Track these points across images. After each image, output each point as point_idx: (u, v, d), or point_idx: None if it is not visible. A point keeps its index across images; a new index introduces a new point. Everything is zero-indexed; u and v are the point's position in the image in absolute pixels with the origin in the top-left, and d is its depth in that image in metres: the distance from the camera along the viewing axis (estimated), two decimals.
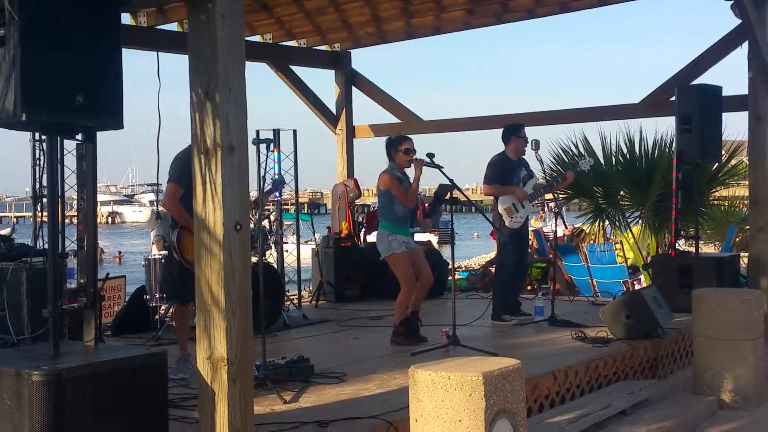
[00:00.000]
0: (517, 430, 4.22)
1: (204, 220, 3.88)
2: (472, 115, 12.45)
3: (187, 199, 6.16)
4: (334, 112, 12.21)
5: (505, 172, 8.47)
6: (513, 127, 8.64)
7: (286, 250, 10.65)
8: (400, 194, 7.45)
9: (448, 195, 7.26)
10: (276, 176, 6.77)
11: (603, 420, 6.09)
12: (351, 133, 12.20)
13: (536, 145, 8.37)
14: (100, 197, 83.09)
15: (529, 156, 8.59)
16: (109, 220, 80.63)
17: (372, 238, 11.93)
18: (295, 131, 10.43)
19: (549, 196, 8.79)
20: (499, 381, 4.14)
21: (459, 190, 7.29)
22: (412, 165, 7.45)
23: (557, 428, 5.63)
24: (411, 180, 7.54)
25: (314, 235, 11.09)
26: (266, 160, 6.22)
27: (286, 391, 5.71)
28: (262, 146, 6.49)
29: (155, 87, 4.18)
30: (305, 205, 59.08)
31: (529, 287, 12.66)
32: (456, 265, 17.84)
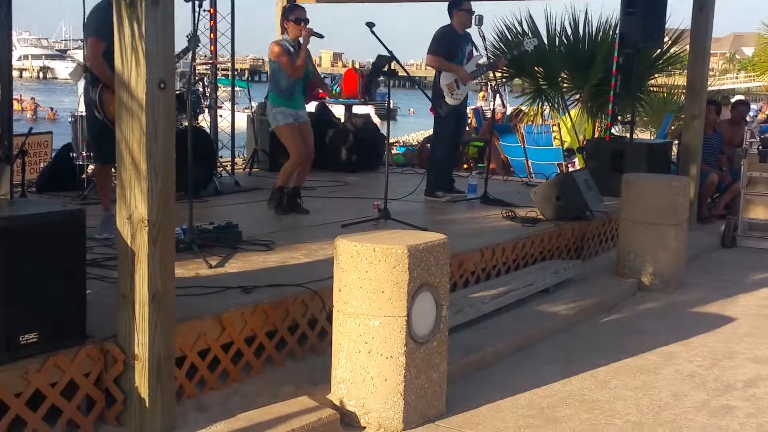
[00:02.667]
0: (439, 304, 4.27)
1: (125, 77, 3.70)
2: None
3: (109, 55, 5.96)
4: None
5: (450, 45, 8.34)
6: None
7: (221, 116, 10.45)
8: (287, 65, 7.25)
9: (386, 67, 7.11)
10: (189, 34, 6.44)
11: (526, 297, 6.24)
12: None
13: (479, 20, 8.25)
14: (31, 50, 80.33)
15: (473, 33, 8.46)
16: (41, 75, 78.07)
17: (310, 107, 11.77)
18: None
19: (490, 75, 8.70)
20: (423, 255, 4.15)
21: (397, 61, 7.14)
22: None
23: (480, 303, 5.74)
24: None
25: (250, 102, 10.85)
26: (197, 19, 5.93)
27: (212, 256, 5.66)
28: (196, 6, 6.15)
29: None
30: (246, 71, 57.98)
31: (465, 165, 12.73)
32: (393, 141, 17.91)
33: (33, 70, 78.27)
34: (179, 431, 3.93)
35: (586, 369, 5.05)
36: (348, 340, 4.18)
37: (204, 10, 10.02)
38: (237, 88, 11.61)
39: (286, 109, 7.34)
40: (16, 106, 37.92)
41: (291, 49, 7.31)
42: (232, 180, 9.39)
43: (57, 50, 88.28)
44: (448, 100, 8.34)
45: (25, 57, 77.02)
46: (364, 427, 4.12)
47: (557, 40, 11.32)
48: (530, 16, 11.11)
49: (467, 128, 14.18)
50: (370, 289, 4.09)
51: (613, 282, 6.97)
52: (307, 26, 7.28)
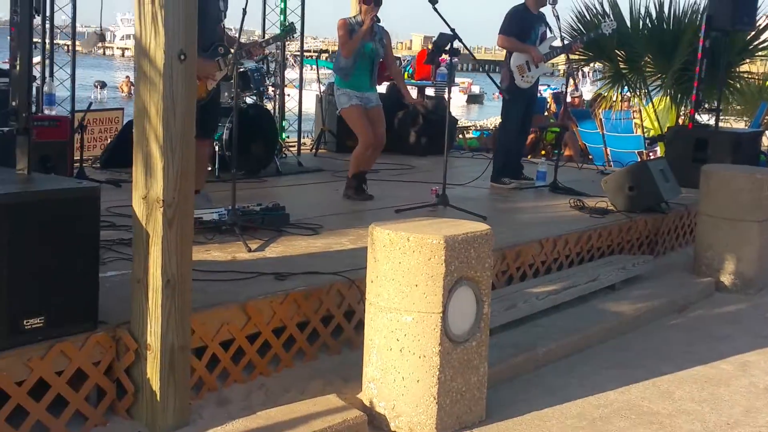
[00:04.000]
0: (480, 300, 3.92)
1: (144, 45, 3.44)
2: None
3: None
4: None
5: (523, 25, 7.92)
6: None
7: (288, 95, 10.23)
8: (342, 43, 6.97)
9: (449, 45, 6.74)
10: (285, 23, 6.22)
11: (588, 294, 5.82)
12: None
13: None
14: (124, 30, 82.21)
15: (547, 12, 8.01)
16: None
17: (381, 88, 11.47)
18: None
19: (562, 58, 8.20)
20: (462, 246, 3.80)
21: (460, 40, 6.77)
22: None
23: (535, 298, 5.35)
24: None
25: (319, 82, 10.60)
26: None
27: (255, 239, 5.42)
28: None
29: None
30: (320, 52, 57.70)
31: (543, 152, 12.25)
32: (470, 124, 17.47)
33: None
34: (193, 427, 3.68)
35: (648, 377, 4.63)
36: (379, 336, 3.88)
37: None
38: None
39: (350, 90, 7.05)
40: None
41: (355, 28, 6.99)
42: (296, 161, 9.16)
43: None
44: (518, 82, 7.91)
45: (128, 36, 78.78)
46: None
47: (640, 22, 10.70)
48: None
49: (546, 113, 13.70)
50: (404, 281, 3.77)
51: (688, 281, 6.47)
52: (375, 8, 6.94)
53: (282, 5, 9.83)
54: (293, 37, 6.55)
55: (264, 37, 7.21)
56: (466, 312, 3.88)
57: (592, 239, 6.40)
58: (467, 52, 7.20)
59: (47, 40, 7.78)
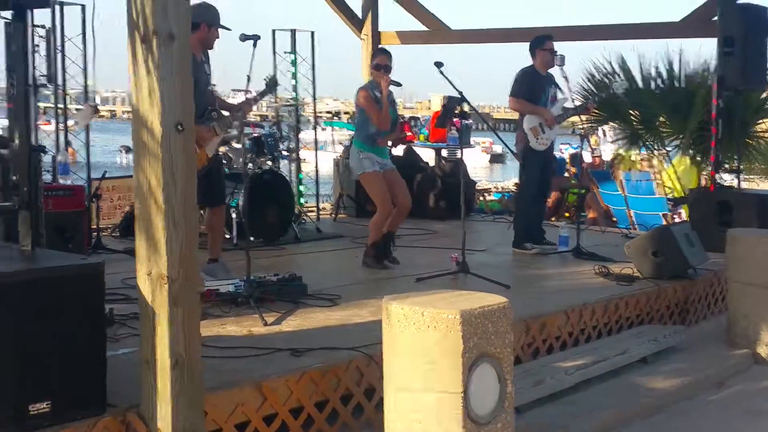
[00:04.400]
0: (502, 378, 3.71)
1: (142, 118, 3.35)
2: (502, 26, 11.67)
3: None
4: (360, 16, 11.49)
5: (533, 87, 7.83)
6: (539, 38, 7.95)
7: (304, 159, 10.15)
8: (373, 114, 6.90)
9: (457, 108, 6.64)
10: (268, 76, 6.20)
11: (619, 367, 5.55)
12: (377, 39, 11.48)
13: (561, 60, 7.73)
14: None
15: (555, 73, 7.94)
16: None
17: (397, 151, 11.37)
18: (312, 33, 9.87)
19: (576, 118, 8.10)
20: (480, 321, 3.61)
21: (468, 103, 6.67)
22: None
23: (563, 373, 5.11)
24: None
25: (334, 145, 10.54)
26: (252, 59, 5.65)
27: (272, 312, 5.26)
28: (250, 44, 5.85)
29: None
30: (331, 114, 57.90)
31: (567, 214, 12.05)
32: (490, 186, 17.33)
33: None
34: None
35: None
36: (399, 416, 3.67)
37: (285, 52, 9.87)
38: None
39: (372, 155, 6.95)
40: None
41: (377, 95, 6.93)
42: (314, 226, 9.02)
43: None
44: (533, 144, 7.78)
45: None
46: None
47: (652, 82, 10.58)
48: (621, 57, 10.40)
49: (566, 174, 13.54)
50: (420, 359, 3.57)
51: (723, 353, 6.17)
52: (387, 74, 6.89)
53: (293, 70, 9.81)
54: (276, 90, 6.53)
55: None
56: (488, 391, 3.67)
57: (620, 308, 6.18)
58: (479, 113, 7.07)
59: (60, 108, 7.76)
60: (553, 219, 12.09)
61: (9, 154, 3.54)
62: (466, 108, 6.93)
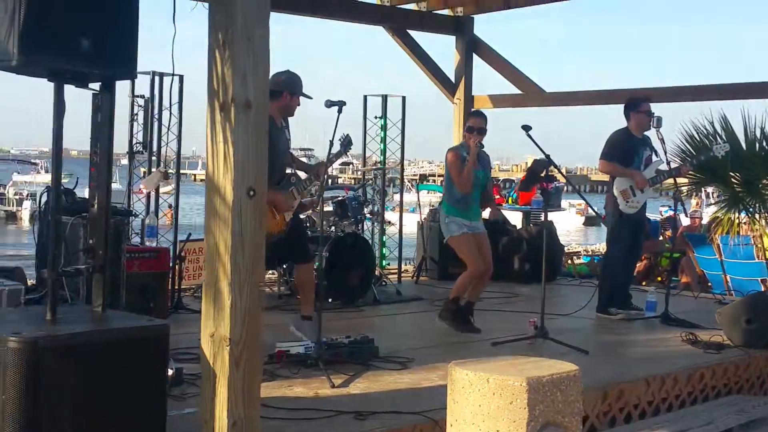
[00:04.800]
0: None
1: (215, 182, 3.43)
2: (597, 88, 11.56)
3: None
4: (452, 80, 11.59)
5: (625, 150, 7.68)
6: (634, 100, 7.81)
7: (389, 222, 10.21)
8: (455, 174, 6.86)
9: (544, 172, 6.59)
10: (342, 136, 6.30)
11: None
12: (469, 103, 11.51)
13: (658, 122, 7.54)
14: None
15: (651, 134, 7.77)
16: None
17: (485, 214, 11.34)
18: (404, 98, 9.97)
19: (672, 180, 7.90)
20: (548, 389, 3.52)
21: (555, 166, 6.61)
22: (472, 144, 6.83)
23: None
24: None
25: (419, 207, 10.57)
26: (336, 125, 5.74)
27: (341, 374, 5.25)
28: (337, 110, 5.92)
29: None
30: (419, 177, 57.99)
31: (659, 278, 11.73)
32: (579, 249, 17.04)
33: None
34: None
35: None
36: None
37: (376, 117, 10.03)
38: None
39: (460, 219, 6.89)
40: None
41: (465, 156, 6.88)
42: (394, 288, 9.03)
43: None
44: (623, 208, 7.63)
45: None
46: None
47: (756, 144, 10.24)
48: (724, 117, 10.12)
49: (661, 237, 13.20)
50: (484, 426, 3.50)
51: None
52: (480, 136, 6.85)
53: (382, 134, 9.94)
54: (350, 150, 6.62)
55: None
56: None
57: (705, 377, 5.93)
58: (565, 176, 6.99)
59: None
60: (644, 283, 11.76)
61: (88, 218, 3.68)
62: (553, 170, 6.88)
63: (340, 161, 7.26)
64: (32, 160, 54.30)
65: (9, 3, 3.23)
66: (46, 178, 53.32)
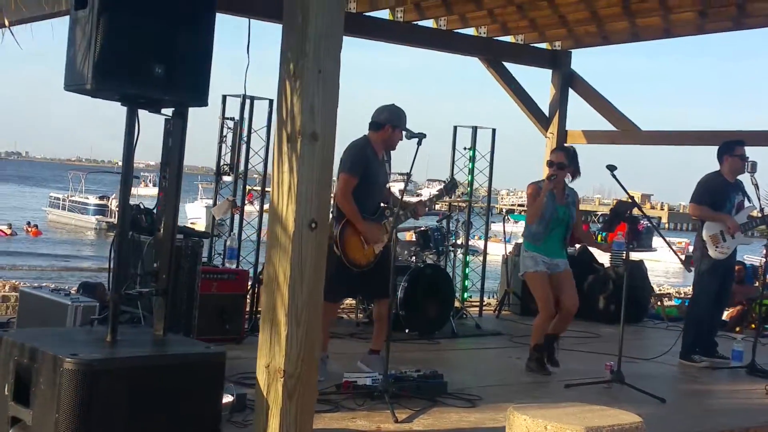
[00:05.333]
0: None
1: (278, 213, 3.49)
2: (695, 129, 11.23)
3: (359, 192, 5.86)
4: (546, 113, 11.47)
5: (716, 194, 7.46)
6: (728, 144, 7.60)
7: (475, 253, 10.14)
8: (529, 207, 6.79)
9: (628, 212, 6.44)
10: (447, 179, 6.27)
11: None
12: (563, 137, 11.36)
13: (753, 167, 7.32)
14: None
15: (745, 179, 7.52)
16: None
17: (571, 250, 11.16)
18: (494, 130, 9.90)
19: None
20: None
21: (639, 208, 6.45)
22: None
23: None
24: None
25: (505, 242, 10.46)
26: (415, 154, 5.72)
27: (406, 408, 5.21)
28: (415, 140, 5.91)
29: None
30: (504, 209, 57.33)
31: (753, 326, 11.29)
32: (669, 291, 16.54)
33: None
34: None
35: None
36: None
37: (465, 148, 9.98)
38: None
39: (537, 255, 6.75)
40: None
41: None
42: (474, 322, 8.95)
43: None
44: (712, 253, 7.39)
45: None
46: None
47: None
48: None
49: (756, 283, 12.71)
50: None
51: None
52: (561, 171, 6.73)
53: (471, 165, 9.89)
54: (455, 193, 6.56)
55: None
56: None
57: None
58: (650, 219, 6.84)
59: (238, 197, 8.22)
60: (738, 329, 11.33)
61: (153, 242, 3.77)
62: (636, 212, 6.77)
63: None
64: (140, 173, 56.15)
65: (86, 29, 3.37)
66: (152, 191, 55.19)
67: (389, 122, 6.07)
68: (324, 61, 3.45)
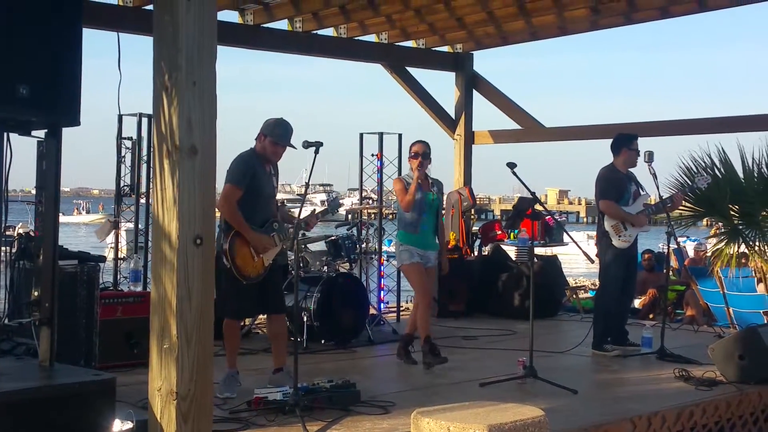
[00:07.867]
0: None
1: (162, 230, 3.39)
2: (597, 123, 11.47)
3: (245, 204, 5.79)
4: (452, 116, 11.56)
5: (616, 187, 7.64)
6: (625, 137, 7.78)
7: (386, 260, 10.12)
8: (400, 198, 7.02)
9: (529, 209, 6.51)
10: (331, 197, 6.36)
11: None
12: (470, 138, 11.50)
13: (649, 157, 7.49)
14: (279, 196, 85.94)
15: (641, 168, 7.71)
16: None
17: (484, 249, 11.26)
18: (400, 135, 9.91)
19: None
20: None
21: (541, 204, 6.53)
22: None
23: None
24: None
25: None
26: (313, 163, 5.67)
27: (318, 420, 5.15)
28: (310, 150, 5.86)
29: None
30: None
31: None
32: (584, 284, 16.84)
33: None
34: None
35: None
36: None
37: (372, 155, 9.98)
38: None
39: (412, 247, 7.01)
40: None
41: (409, 182, 7.02)
42: (390, 328, 8.93)
43: (297, 195, 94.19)
44: (615, 242, 7.54)
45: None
46: None
47: (756, 178, 10.08)
48: (722, 150, 9.96)
49: (668, 270, 13.02)
50: None
51: None
52: (425, 161, 7.00)
53: (378, 173, 9.87)
54: (337, 212, 6.71)
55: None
56: None
57: (695, 415, 5.79)
58: (555, 216, 6.94)
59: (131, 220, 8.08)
60: (651, 316, 11.59)
61: (33, 270, 3.63)
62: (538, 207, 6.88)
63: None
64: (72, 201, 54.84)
65: None
66: (86, 218, 53.72)
67: (262, 132, 6.03)
68: (198, 73, 3.38)
